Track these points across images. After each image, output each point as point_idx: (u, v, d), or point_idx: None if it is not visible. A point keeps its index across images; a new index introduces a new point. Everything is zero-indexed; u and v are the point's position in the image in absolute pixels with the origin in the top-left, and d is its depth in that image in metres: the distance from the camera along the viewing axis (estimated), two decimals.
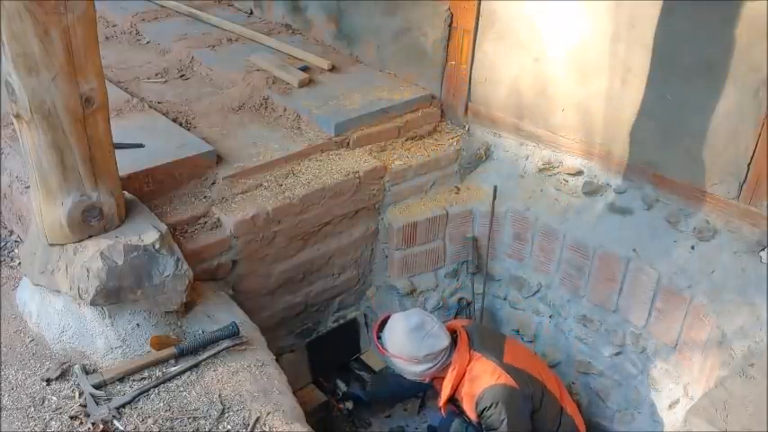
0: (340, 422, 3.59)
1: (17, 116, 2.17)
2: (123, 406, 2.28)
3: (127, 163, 2.73)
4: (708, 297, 2.88)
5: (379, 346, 2.92)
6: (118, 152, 2.46)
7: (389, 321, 2.94)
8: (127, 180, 2.72)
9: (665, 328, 3.06)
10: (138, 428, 2.22)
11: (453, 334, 2.96)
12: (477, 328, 3.10)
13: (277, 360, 2.70)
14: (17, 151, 2.91)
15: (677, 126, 3.00)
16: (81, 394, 2.31)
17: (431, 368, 2.88)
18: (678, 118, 2.98)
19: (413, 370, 2.89)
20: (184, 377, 2.43)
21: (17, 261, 2.93)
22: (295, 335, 3.51)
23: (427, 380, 2.98)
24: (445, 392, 2.92)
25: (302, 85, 3.77)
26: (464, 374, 2.89)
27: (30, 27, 2.01)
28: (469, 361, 2.89)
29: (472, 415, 2.89)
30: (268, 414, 2.33)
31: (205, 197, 2.99)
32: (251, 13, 4.88)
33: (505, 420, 2.78)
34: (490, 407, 2.80)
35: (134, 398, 2.31)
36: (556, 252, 3.38)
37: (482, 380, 2.85)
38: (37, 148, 2.21)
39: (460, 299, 3.74)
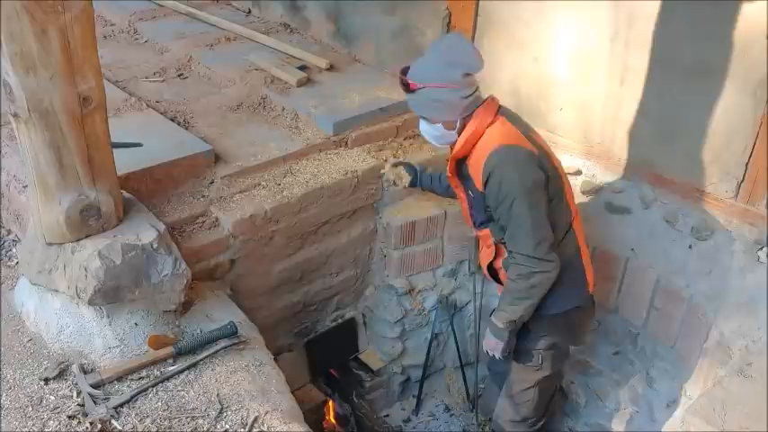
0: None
1: (15, 115, 2.17)
2: (121, 405, 2.28)
3: (125, 162, 2.73)
4: (706, 296, 2.88)
5: (408, 83, 2.52)
6: (116, 151, 2.46)
7: (419, 57, 2.58)
8: (125, 179, 2.71)
9: (663, 327, 3.07)
10: (137, 428, 2.22)
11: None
12: (508, 109, 2.71)
13: (275, 359, 2.70)
14: (15, 150, 2.91)
15: (676, 125, 3.00)
16: (79, 394, 2.31)
17: (470, 96, 2.51)
18: (676, 117, 2.99)
19: (452, 99, 2.50)
20: (182, 376, 2.42)
21: (15, 260, 2.93)
22: (293, 334, 3.51)
23: (457, 128, 2.59)
24: (458, 146, 2.59)
25: (301, 84, 3.77)
26: (482, 135, 2.55)
27: (27, 26, 2.01)
28: (492, 123, 2.55)
29: (479, 180, 2.57)
30: (266, 413, 2.32)
31: (203, 196, 2.99)
32: (249, 12, 4.88)
33: (517, 185, 2.44)
34: (499, 168, 2.46)
35: (132, 397, 2.31)
36: None
37: (498, 139, 2.51)
38: (35, 148, 2.21)
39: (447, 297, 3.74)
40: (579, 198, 3.35)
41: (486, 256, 2.82)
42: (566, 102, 3.34)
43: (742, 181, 2.88)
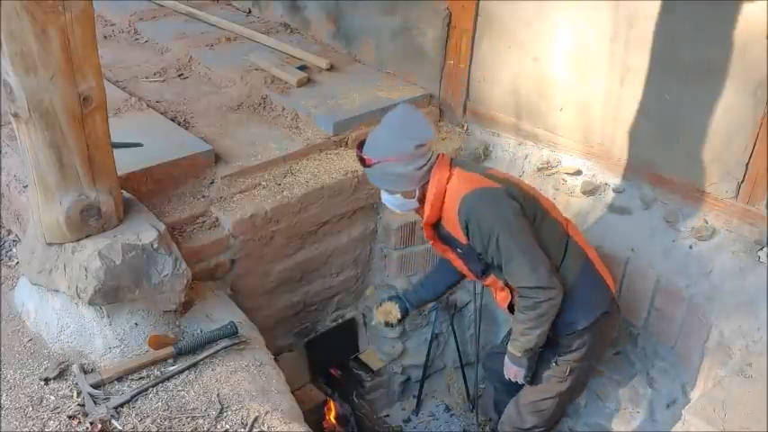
0: None
1: (15, 115, 2.17)
2: (121, 405, 2.28)
3: (125, 162, 2.73)
4: (706, 297, 2.88)
5: (364, 158, 2.56)
6: (116, 151, 2.46)
7: (371, 131, 2.64)
8: (125, 179, 2.71)
9: (663, 327, 3.06)
10: (137, 428, 2.22)
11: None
12: (459, 159, 2.81)
13: (275, 359, 2.70)
14: (15, 150, 2.91)
15: (676, 125, 3.00)
16: (79, 394, 2.31)
17: (424, 165, 2.55)
18: (677, 117, 2.99)
19: (406, 172, 2.54)
20: (183, 377, 2.42)
21: (15, 260, 2.93)
22: (293, 334, 3.51)
23: (417, 196, 2.63)
24: (426, 211, 2.62)
25: (301, 84, 3.77)
26: (445, 193, 2.58)
27: (28, 26, 2.01)
28: (449, 178, 2.58)
29: (460, 234, 2.59)
30: (266, 413, 2.33)
31: (203, 196, 2.99)
32: (249, 12, 4.88)
33: (495, 222, 2.46)
34: (473, 213, 2.49)
35: (132, 397, 2.31)
36: None
37: (461, 189, 2.55)
38: (35, 148, 2.21)
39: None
40: (579, 198, 3.35)
41: (502, 299, 2.78)
42: (566, 102, 3.34)
43: (742, 181, 2.88)
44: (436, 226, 2.70)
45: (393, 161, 2.52)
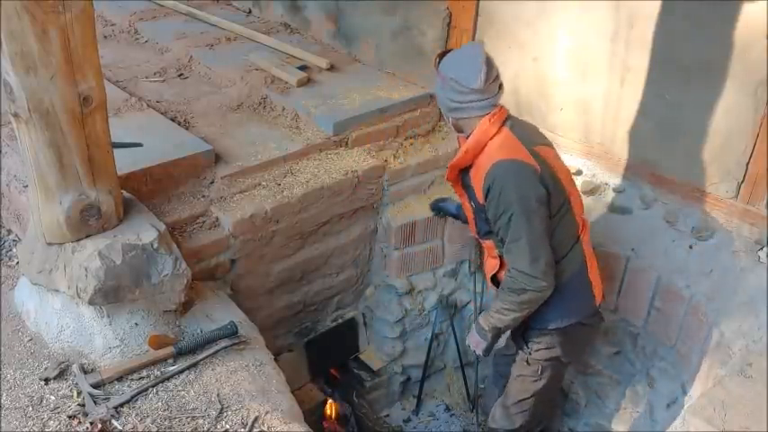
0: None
1: (15, 115, 2.17)
2: (122, 405, 2.28)
3: (125, 162, 2.73)
4: (706, 296, 2.88)
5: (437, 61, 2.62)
6: (116, 151, 2.46)
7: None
8: (125, 179, 2.71)
9: (663, 327, 3.07)
10: (137, 428, 2.22)
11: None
12: (519, 120, 2.72)
13: (275, 359, 2.70)
14: (15, 150, 2.91)
15: (676, 125, 3.00)
16: (79, 394, 2.31)
17: (457, 102, 2.53)
18: (677, 117, 2.99)
19: (440, 94, 2.60)
20: (183, 376, 2.42)
21: (15, 260, 2.93)
22: (293, 334, 3.51)
23: (450, 123, 2.67)
24: (459, 155, 2.61)
25: (301, 84, 3.77)
26: (484, 147, 2.54)
27: (28, 26, 2.01)
28: (494, 135, 2.53)
29: (480, 193, 2.56)
30: (266, 413, 2.33)
31: (203, 196, 2.99)
32: (249, 12, 4.88)
33: (515, 200, 2.44)
34: (499, 182, 2.45)
35: (132, 397, 2.31)
36: None
37: (498, 153, 2.50)
38: (35, 147, 2.21)
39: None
40: None
41: (490, 266, 2.79)
42: (566, 102, 3.34)
43: (742, 181, 2.88)
44: (464, 171, 2.68)
45: (439, 78, 2.58)
